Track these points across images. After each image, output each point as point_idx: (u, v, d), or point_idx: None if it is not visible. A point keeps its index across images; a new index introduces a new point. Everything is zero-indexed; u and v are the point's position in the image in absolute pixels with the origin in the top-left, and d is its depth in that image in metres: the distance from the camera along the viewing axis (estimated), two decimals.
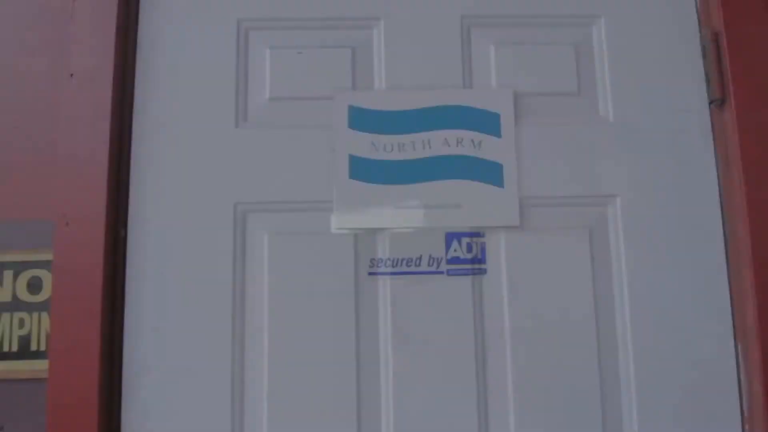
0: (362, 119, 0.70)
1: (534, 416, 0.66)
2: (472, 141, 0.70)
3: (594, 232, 0.70)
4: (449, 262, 0.68)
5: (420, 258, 0.68)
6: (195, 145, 0.70)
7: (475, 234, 0.69)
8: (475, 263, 0.68)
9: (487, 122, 0.71)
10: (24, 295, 0.70)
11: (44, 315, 0.69)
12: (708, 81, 0.72)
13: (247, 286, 0.68)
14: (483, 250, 0.69)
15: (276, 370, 0.66)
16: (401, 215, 0.69)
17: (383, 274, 0.68)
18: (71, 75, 0.71)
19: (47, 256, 0.69)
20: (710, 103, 0.73)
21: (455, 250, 0.68)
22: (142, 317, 0.67)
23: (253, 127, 0.71)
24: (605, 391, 0.67)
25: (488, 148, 0.70)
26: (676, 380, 0.67)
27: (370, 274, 0.68)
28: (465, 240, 0.69)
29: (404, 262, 0.68)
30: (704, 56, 0.73)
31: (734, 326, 0.69)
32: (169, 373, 0.66)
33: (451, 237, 0.69)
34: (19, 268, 0.70)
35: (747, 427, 0.66)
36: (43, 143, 0.72)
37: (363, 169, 0.69)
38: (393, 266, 0.68)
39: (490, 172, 0.70)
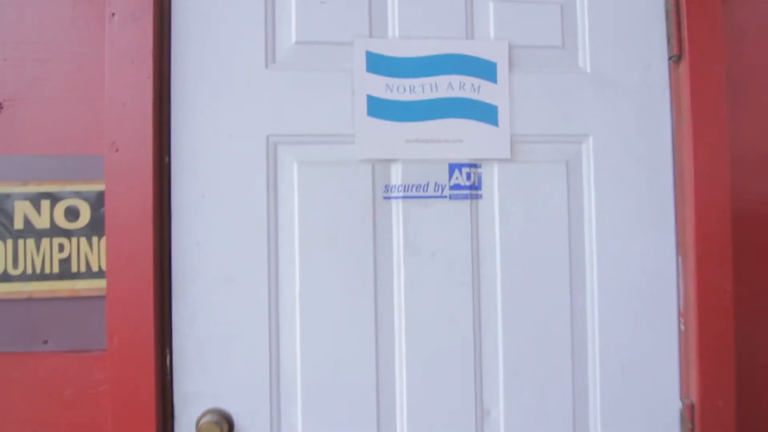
0: (378, 64, 0.81)
1: (516, 307, 0.82)
2: (472, 85, 0.82)
3: (570, 164, 0.84)
4: (451, 188, 0.81)
5: (427, 184, 0.81)
6: (229, 83, 0.78)
7: (473, 165, 0.82)
8: (472, 189, 0.82)
9: (485, 70, 0.82)
10: (62, 223, 0.75)
11: (83, 240, 0.76)
12: (668, 40, 0.86)
13: (279, 207, 0.79)
14: (479, 178, 0.82)
15: (306, 276, 0.78)
16: (411, 148, 0.80)
17: (396, 197, 0.80)
18: (113, 14, 0.77)
19: (82, 187, 0.76)
20: (669, 59, 0.86)
21: (456, 178, 0.81)
22: (187, 233, 0.77)
23: (281, 68, 0.80)
24: (573, 291, 0.83)
25: (486, 92, 0.82)
26: (630, 284, 0.84)
27: (385, 198, 0.81)
28: (465, 170, 0.81)
29: (414, 187, 0.80)
30: (666, 18, 0.86)
31: (677, 243, 0.85)
32: (212, 282, 0.77)
33: (453, 167, 0.81)
34: (55, 198, 0.76)
35: (682, 320, 0.84)
36: (90, 81, 0.78)
37: (379, 108, 0.80)
38: (404, 191, 0.80)
39: (487, 113, 0.82)
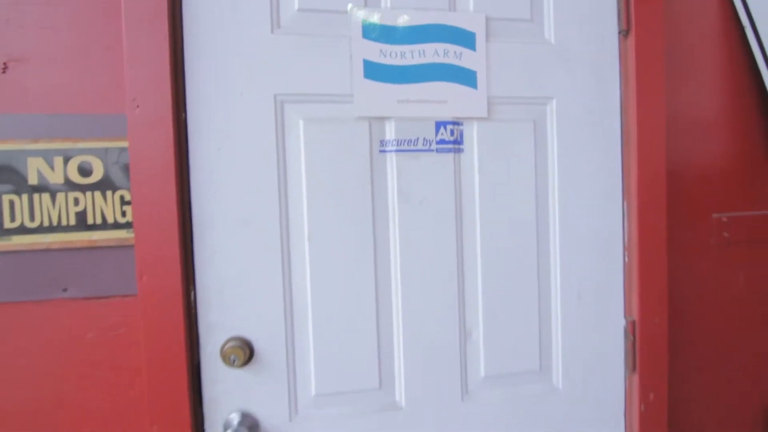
0: (372, 31, 0.90)
1: (492, 246, 0.96)
2: (455, 52, 0.93)
3: (537, 123, 0.98)
4: (437, 143, 0.93)
5: (417, 139, 0.92)
6: (239, 46, 0.86)
7: (456, 123, 0.94)
8: (455, 144, 0.94)
9: (466, 39, 0.94)
10: (76, 178, 0.80)
11: (97, 194, 0.81)
12: (619, 16, 1.00)
13: (288, 159, 0.88)
14: (461, 134, 0.95)
15: (313, 220, 0.89)
16: (403, 107, 0.92)
17: (390, 151, 0.92)
18: None
19: (92, 144, 0.80)
20: (619, 33, 1.01)
21: (442, 134, 0.93)
22: (206, 182, 0.85)
23: (285, 33, 0.88)
24: (540, 232, 0.98)
25: (466, 58, 0.94)
26: (585, 225, 1.00)
27: (381, 151, 0.92)
28: (449, 127, 0.94)
29: (405, 142, 0.92)
30: None
31: (623, 190, 1.02)
32: (229, 225, 0.86)
33: (438, 124, 0.93)
34: (67, 154, 0.80)
35: (626, 253, 1.02)
36: (94, 42, 0.83)
37: (374, 71, 0.90)
38: (397, 146, 0.92)
39: (467, 77, 0.94)
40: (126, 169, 0.82)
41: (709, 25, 1.09)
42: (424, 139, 0.93)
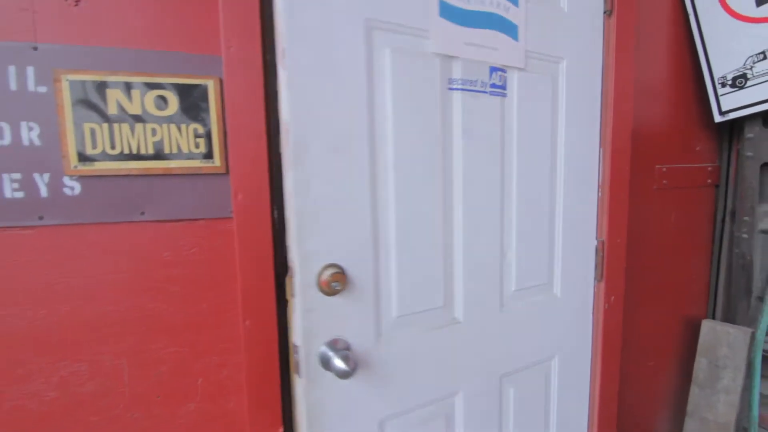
0: None
1: (524, 178, 1.13)
2: (504, 5, 1.05)
3: (553, 78, 1.17)
4: (490, 86, 1.05)
5: (477, 81, 1.02)
6: None
7: (503, 70, 1.07)
8: (501, 89, 1.07)
9: None
10: (152, 110, 0.76)
11: (173, 126, 0.78)
12: None
13: (375, 89, 0.88)
14: (506, 80, 1.08)
15: (398, 150, 0.92)
16: (468, 49, 1.00)
17: (456, 89, 0.99)
18: None
19: (168, 79, 0.76)
20: (604, 12, 1.26)
21: (493, 78, 1.05)
22: (302, 106, 0.80)
23: None
24: (550, 170, 1.19)
25: (512, 12, 1.06)
26: (575, 166, 1.24)
27: (449, 89, 0.99)
28: (498, 73, 1.06)
29: (469, 82, 1.01)
30: None
31: (600, 139, 1.29)
32: (324, 150, 0.83)
33: (491, 69, 1.04)
34: (144, 88, 0.75)
35: (600, 189, 1.30)
36: None
37: (447, 11, 0.96)
38: (462, 85, 1.00)
39: (512, 29, 1.07)
40: (198, 104, 0.79)
41: (663, 11, 1.43)
42: (481, 81, 1.03)
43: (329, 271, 0.84)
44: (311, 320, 0.84)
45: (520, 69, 1.09)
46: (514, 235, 1.13)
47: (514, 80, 1.09)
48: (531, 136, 1.13)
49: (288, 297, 0.84)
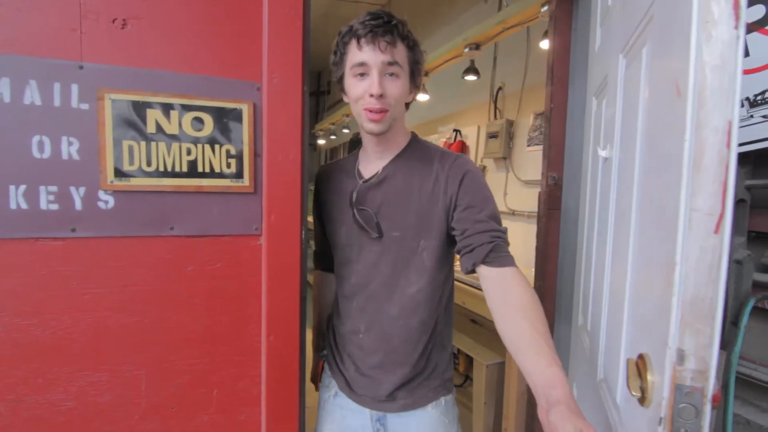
0: None
1: None
2: None
3: None
4: None
5: None
6: None
7: None
8: None
9: None
10: (189, 131, 0.80)
11: (206, 147, 0.81)
12: None
13: None
14: None
15: None
16: None
17: None
18: None
19: (206, 102, 0.80)
20: None
21: None
22: None
23: None
24: None
25: None
26: None
27: None
28: None
29: None
30: None
31: None
32: None
33: None
34: (183, 109, 0.79)
35: None
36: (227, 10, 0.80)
37: None
38: None
39: None
40: (233, 127, 0.82)
41: None
42: None
43: None
44: None
45: None
46: None
47: None
48: None
49: None
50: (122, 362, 0.79)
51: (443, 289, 0.85)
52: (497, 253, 0.72)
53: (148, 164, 0.77)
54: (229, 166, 0.82)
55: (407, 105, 0.85)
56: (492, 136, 2.20)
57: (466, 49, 2.03)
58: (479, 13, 2.47)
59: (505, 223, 2.16)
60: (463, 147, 2.50)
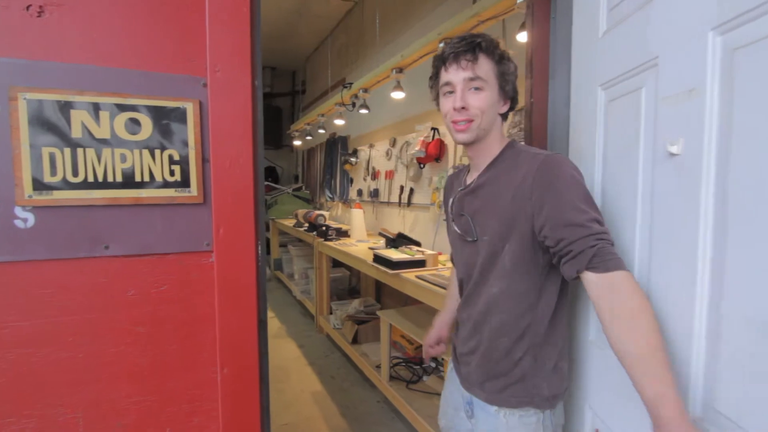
0: None
1: None
2: None
3: None
4: None
5: None
6: None
7: None
8: None
9: None
10: (123, 134, 0.70)
11: (145, 152, 0.71)
12: None
13: None
14: None
15: None
16: None
17: None
18: None
19: (143, 101, 0.70)
20: None
21: None
22: None
23: None
24: None
25: None
26: None
27: None
28: None
29: None
30: None
31: None
32: None
33: None
34: (115, 110, 0.69)
35: None
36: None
37: None
38: None
39: None
40: (176, 129, 0.73)
41: None
42: None
43: None
44: None
45: None
46: None
47: None
48: None
49: None
50: (53, 405, 0.69)
51: (532, 296, 0.83)
52: (601, 257, 0.69)
53: (74, 174, 0.66)
54: (172, 173, 0.72)
55: (504, 116, 0.89)
56: None
57: (441, 44, 1.95)
58: (454, 6, 2.39)
59: None
60: (441, 145, 2.44)
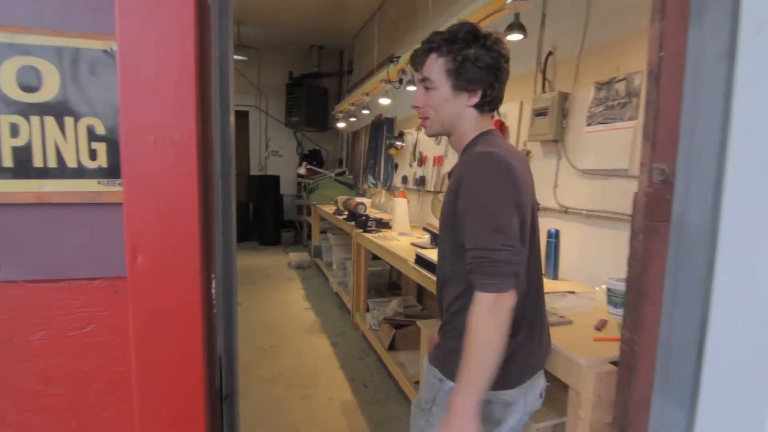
0: None
1: None
2: None
3: None
4: None
5: None
6: None
7: None
8: None
9: None
10: (14, 92, 0.44)
11: (49, 121, 0.45)
12: None
13: None
14: None
15: None
16: None
17: None
18: None
19: (46, 40, 0.44)
20: None
21: None
22: None
23: None
24: None
25: None
26: None
27: None
28: None
29: None
30: None
31: None
32: None
33: None
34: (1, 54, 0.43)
35: None
36: None
37: None
38: None
39: None
40: (99, 83, 0.46)
41: None
42: None
43: None
44: None
45: None
46: None
47: None
48: None
49: None
50: None
51: (464, 278, 0.84)
52: (473, 275, 0.76)
53: None
54: (94, 156, 0.46)
55: (478, 108, 0.88)
56: (539, 113, 1.76)
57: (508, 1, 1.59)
58: None
59: (556, 223, 1.74)
60: (501, 127, 2.08)
